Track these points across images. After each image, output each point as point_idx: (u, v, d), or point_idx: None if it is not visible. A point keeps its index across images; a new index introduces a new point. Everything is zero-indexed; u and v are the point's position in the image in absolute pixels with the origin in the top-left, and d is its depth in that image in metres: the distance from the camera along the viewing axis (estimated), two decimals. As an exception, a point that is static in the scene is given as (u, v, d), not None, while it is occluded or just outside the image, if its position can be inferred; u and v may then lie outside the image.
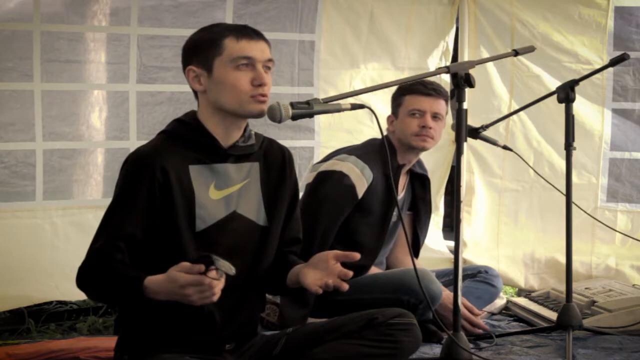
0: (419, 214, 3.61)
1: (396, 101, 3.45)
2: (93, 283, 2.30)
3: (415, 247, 3.59)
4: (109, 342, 2.71)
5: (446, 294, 3.31)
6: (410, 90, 3.38)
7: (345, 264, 3.09)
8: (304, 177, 3.50)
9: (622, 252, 4.24)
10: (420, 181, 3.58)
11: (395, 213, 3.39)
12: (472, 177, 4.45)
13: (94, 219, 3.70)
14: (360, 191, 3.27)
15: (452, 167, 4.42)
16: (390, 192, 3.32)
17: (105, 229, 2.33)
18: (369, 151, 3.37)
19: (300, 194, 3.04)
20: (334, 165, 3.35)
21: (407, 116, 3.38)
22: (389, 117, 3.47)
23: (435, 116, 3.34)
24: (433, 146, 3.43)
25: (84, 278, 2.31)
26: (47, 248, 3.69)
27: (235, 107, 2.35)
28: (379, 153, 3.35)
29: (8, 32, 3.64)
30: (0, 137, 3.65)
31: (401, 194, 3.50)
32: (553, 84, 4.07)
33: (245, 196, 2.43)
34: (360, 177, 3.28)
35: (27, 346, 3.16)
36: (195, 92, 2.43)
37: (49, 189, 3.72)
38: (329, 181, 3.30)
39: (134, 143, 3.81)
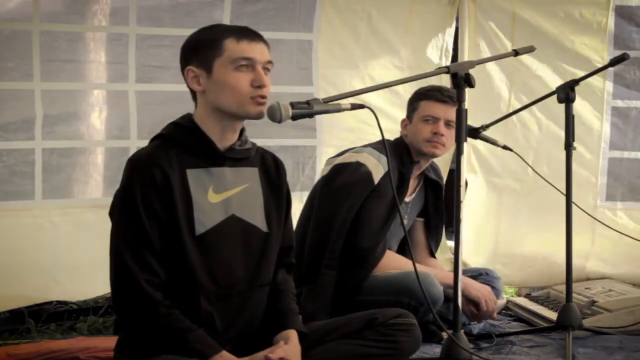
0: (430, 220, 3.63)
1: (411, 106, 3.46)
2: (146, 331, 2.30)
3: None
4: (109, 342, 2.71)
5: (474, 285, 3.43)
6: (426, 95, 3.41)
7: (351, 250, 3.13)
8: (320, 172, 3.54)
9: (621, 250, 4.24)
10: (433, 188, 3.60)
11: (404, 209, 3.43)
12: (471, 176, 4.44)
13: (94, 218, 3.71)
14: (377, 177, 3.30)
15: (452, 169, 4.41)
16: (403, 184, 3.36)
17: (124, 240, 2.29)
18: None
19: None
20: (350, 157, 3.39)
21: (420, 121, 3.40)
22: (403, 121, 3.49)
23: (449, 123, 3.35)
24: (444, 153, 3.47)
25: (129, 315, 2.32)
26: (47, 247, 3.69)
27: (234, 108, 2.35)
28: (394, 149, 3.39)
29: (8, 32, 3.64)
30: (0, 136, 3.64)
31: (412, 196, 3.51)
32: (553, 83, 4.07)
33: (246, 200, 2.43)
34: (377, 165, 3.31)
35: (27, 346, 3.16)
36: (193, 93, 2.43)
37: (48, 188, 3.72)
38: (346, 171, 3.33)
39: (134, 142, 3.81)
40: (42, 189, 3.69)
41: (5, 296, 3.56)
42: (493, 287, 3.70)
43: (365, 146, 3.43)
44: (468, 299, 3.39)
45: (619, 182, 4.34)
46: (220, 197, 2.38)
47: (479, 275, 3.72)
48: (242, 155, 2.43)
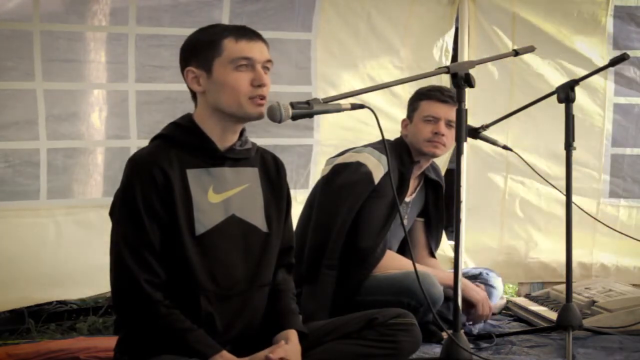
0: (430, 220, 3.63)
1: (412, 106, 3.46)
2: (149, 331, 2.30)
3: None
4: (109, 342, 2.71)
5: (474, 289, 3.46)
6: (427, 95, 3.41)
7: (351, 250, 3.14)
8: (320, 172, 3.53)
9: (622, 247, 4.25)
10: (433, 187, 3.60)
11: (404, 209, 3.43)
12: (472, 176, 4.44)
13: (97, 218, 3.71)
14: (377, 177, 3.30)
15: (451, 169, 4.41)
16: (404, 184, 3.36)
17: (124, 240, 2.29)
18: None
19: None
20: (350, 157, 3.39)
21: (421, 121, 3.40)
22: (403, 121, 3.50)
23: (449, 123, 3.35)
24: (444, 153, 3.48)
25: (129, 314, 2.32)
26: (48, 247, 3.69)
27: (234, 109, 2.34)
28: (394, 148, 3.39)
29: (8, 32, 3.64)
30: (4, 136, 3.65)
31: (412, 196, 3.51)
32: (554, 82, 4.07)
33: (246, 201, 2.43)
34: (377, 165, 3.31)
35: (27, 346, 3.16)
36: (193, 94, 2.43)
37: (53, 188, 3.72)
38: (346, 171, 3.34)
39: (134, 142, 3.81)
40: (47, 189, 3.69)
41: (6, 296, 3.56)
42: (493, 287, 3.71)
43: (365, 146, 3.43)
44: (465, 301, 3.38)
45: (622, 179, 4.36)
46: (221, 197, 2.38)
47: (479, 274, 3.73)
48: (242, 156, 2.43)
